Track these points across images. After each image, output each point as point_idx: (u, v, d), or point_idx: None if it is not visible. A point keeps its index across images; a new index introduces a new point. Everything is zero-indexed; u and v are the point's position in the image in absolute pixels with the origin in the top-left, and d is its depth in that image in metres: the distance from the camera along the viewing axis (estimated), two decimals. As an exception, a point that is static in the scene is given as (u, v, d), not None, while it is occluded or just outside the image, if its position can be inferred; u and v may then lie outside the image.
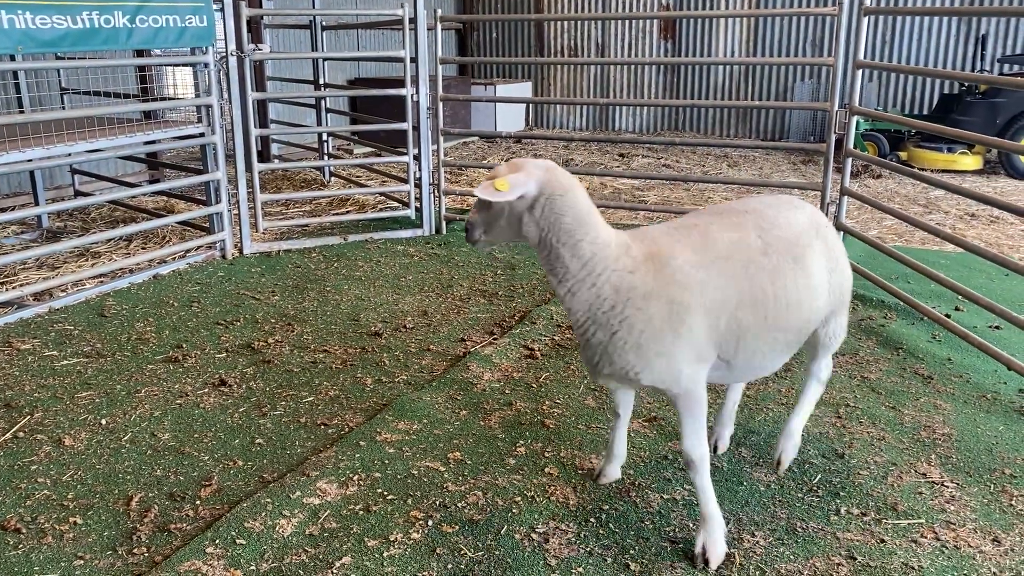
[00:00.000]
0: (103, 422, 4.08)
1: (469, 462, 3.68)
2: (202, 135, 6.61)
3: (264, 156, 10.35)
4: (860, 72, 5.92)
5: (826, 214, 6.19)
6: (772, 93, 14.25)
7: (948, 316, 5.31)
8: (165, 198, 8.35)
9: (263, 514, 3.25)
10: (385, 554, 3.04)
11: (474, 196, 2.99)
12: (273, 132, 10.45)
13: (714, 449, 3.72)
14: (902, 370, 4.68)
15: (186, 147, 9.45)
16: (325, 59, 9.76)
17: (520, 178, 2.70)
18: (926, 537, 3.16)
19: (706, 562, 2.94)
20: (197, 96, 6.59)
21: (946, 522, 3.26)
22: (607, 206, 8.36)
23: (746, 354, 2.98)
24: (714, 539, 2.97)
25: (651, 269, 2.79)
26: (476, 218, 2.86)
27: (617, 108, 15.51)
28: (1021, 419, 4.12)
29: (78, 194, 8.20)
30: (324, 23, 9.63)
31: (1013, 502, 3.40)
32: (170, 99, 7.91)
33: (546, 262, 2.81)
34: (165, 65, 8.57)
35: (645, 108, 15.35)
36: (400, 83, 7.43)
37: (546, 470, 3.62)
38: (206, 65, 6.45)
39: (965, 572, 2.96)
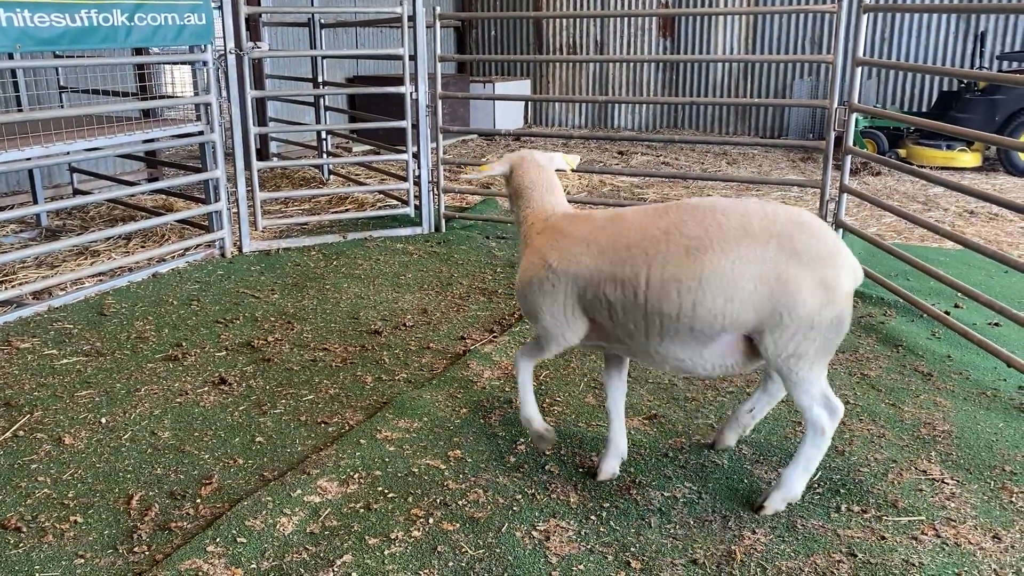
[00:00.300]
0: (103, 421, 4.08)
1: (470, 460, 3.68)
2: (201, 133, 6.61)
3: (263, 154, 10.35)
4: (859, 69, 5.92)
5: (825, 211, 6.20)
6: (771, 90, 14.25)
7: (948, 313, 5.31)
8: (164, 196, 8.34)
9: (264, 512, 3.25)
10: (386, 552, 3.04)
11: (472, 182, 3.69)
12: (272, 130, 10.45)
13: (712, 445, 3.79)
14: (902, 367, 4.68)
15: (185, 145, 9.45)
16: (324, 57, 9.74)
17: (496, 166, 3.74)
18: (926, 534, 3.16)
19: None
20: (196, 94, 6.58)
21: (946, 519, 3.26)
22: (606, 203, 8.37)
23: (626, 331, 3.21)
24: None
25: (547, 235, 3.43)
26: None
27: (616, 106, 15.51)
28: (1021, 416, 4.13)
29: (77, 192, 8.19)
30: (323, 21, 9.61)
31: (1013, 499, 3.40)
32: (169, 97, 7.90)
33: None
34: (164, 63, 8.57)
35: (644, 105, 15.34)
36: (399, 81, 7.43)
37: (547, 468, 3.62)
38: (205, 63, 6.44)
39: (966, 569, 2.96)
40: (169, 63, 8.56)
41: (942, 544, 3.10)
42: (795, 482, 3.24)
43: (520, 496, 3.40)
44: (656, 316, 3.09)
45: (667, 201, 8.93)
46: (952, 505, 3.36)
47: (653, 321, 3.11)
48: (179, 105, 7.45)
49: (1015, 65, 11.36)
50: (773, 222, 3.06)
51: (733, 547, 3.06)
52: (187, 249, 6.81)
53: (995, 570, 2.96)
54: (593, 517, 3.26)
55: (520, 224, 3.65)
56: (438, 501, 3.36)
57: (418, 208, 7.78)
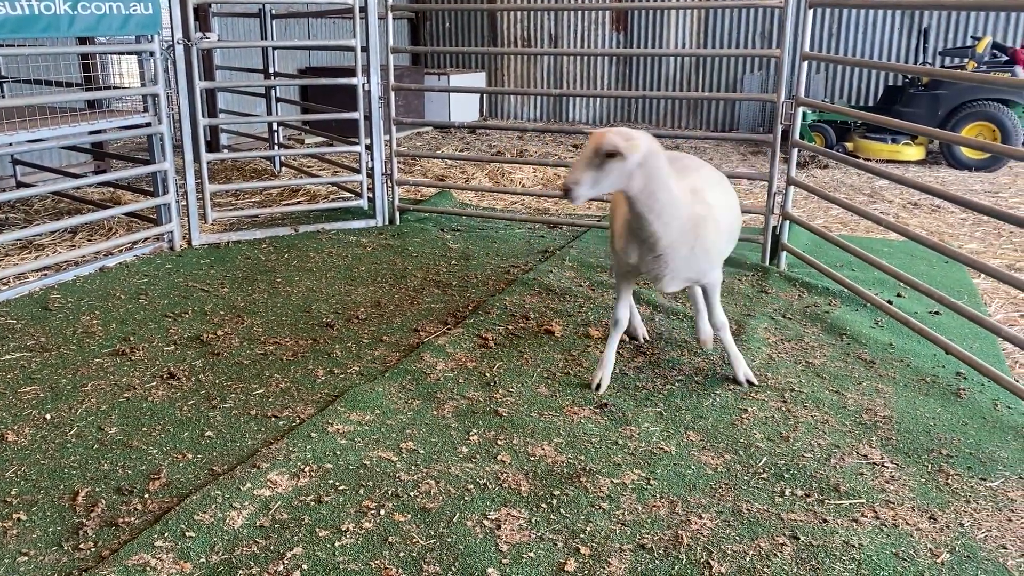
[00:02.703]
0: (48, 417, 4.01)
1: (422, 451, 3.70)
2: (149, 125, 6.50)
3: (213, 146, 10.20)
4: (806, 64, 6.03)
5: (773, 203, 6.31)
6: (722, 85, 14.43)
7: (890, 302, 5.45)
8: (111, 189, 8.19)
9: (213, 506, 3.22)
10: (337, 544, 3.04)
11: (574, 171, 3.64)
12: (222, 122, 10.31)
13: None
14: (846, 355, 4.80)
15: (133, 137, 9.27)
16: (275, 48, 9.63)
17: (643, 143, 3.59)
18: (866, 516, 3.26)
19: (597, 386, 4.34)
20: (143, 85, 6.47)
21: (886, 501, 3.36)
22: (560, 196, 8.39)
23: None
24: (601, 374, 4.37)
25: (695, 200, 3.96)
26: (584, 176, 3.56)
27: (571, 99, 15.57)
28: (958, 401, 4.26)
29: (20, 185, 8.00)
30: (273, 11, 9.49)
31: (949, 481, 3.52)
32: (115, 88, 7.74)
33: (644, 204, 3.72)
34: (110, 53, 8.39)
35: (598, 99, 15.43)
36: (351, 72, 7.38)
37: (499, 458, 3.65)
38: (152, 54, 6.33)
39: (903, 549, 3.06)
40: (115, 53, 8.39)
41: (881, 525, 3.20)
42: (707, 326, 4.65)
43: (472, 486, 3.42)
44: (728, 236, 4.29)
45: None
46: (891, 488, 3.46)
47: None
48: (126, 96, 7.31)
49: (956, 61, 11.65)
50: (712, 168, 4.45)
51: (680, 532, 3.12)
52: (135, 242, 6.70)
53: (931, 549, 3.06)
54: (543, 505, 3.29)
55: (672, 203, 3.81)
56: (390, 493, 3.37)
57: (371, 200, 7.74)
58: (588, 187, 3.58)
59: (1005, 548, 3.09)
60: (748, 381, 4.39)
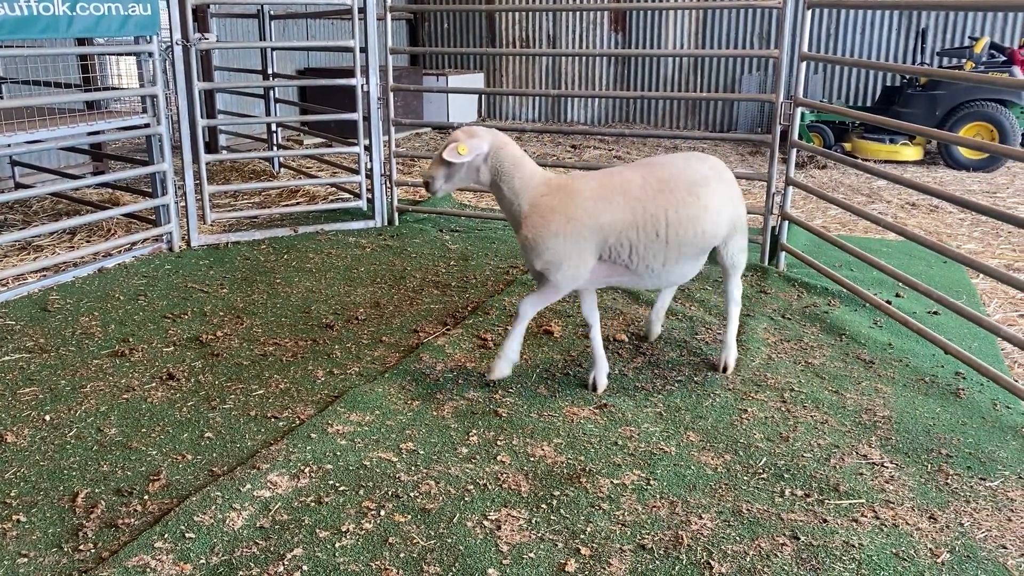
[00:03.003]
0: (47, 418, 4.00)
1: (422, 452, 3.69)
2: (147, 126, 6.49)
3: (212, 147, 10.19)
4: (804, 64, 6.04)
5: (772, 203, 6.31)
6: (721, 85, 14.44)
7: (889, 302, 5.45)
8: (110, 190, 8.18)
9: (213, 508, 3.22)
10: (337, 545, 3.04)
11: (430, 167, 4.09)
12: (221, 123, 10.31)
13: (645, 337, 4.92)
14: (845, 355, 4.80)
15: (131, 138, 9.27)
16: (273, 49, 9.64)
17: (475, 143, 3.97)
18: (866, 516, 3.26)
19: (593, 387, 4.31)
20: (142, 86, 6.46)
21: (885, 501, 3.36)
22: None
23: (645, 263, 4.09)
24: (500, 365, 4.25)
25: (558, 195, 4.01)
26: (438, 172, 4.04)
27: (569, 100, 15.58)
28: (957, 401, 4.27)
29: (19, 186, 8.00)
30: (272, 12, 9.49)
31: (949, 481, 3.52)
32: (114, 89, 7.74)
33: (496, 194, 4.11)
34: (108, 54, 8.38)
35: (596, 100, 15.43)
36: (350, 73, 7.38)
37: (499, 458, 3.65)
38: (150, 54, 6.32)
39: (903, 549, 3.06)
40: (114, 54, 8.38)
41: (881, 525, 3.20)
42: (733, 343, 4.57)
43: (472, 487, 3.42)
44: (676, 246, 4.05)
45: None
46: (891, 488, 3.46)
47: (672, 251, 4.06)
48: (124, 97, 7.31)
49: (954, 61, 11.67)
50: (711, 163, 4.27)
51: (680, 532, 3.13)
52: (134, 243, 6.69)
53: (931, 549, 3.07)
54: (543, 506, 3.29)
55: (516, 194, 4.04)
56: (390, 493, 3.37)
57: (370, 201, 7.74)
58: (442, 181, 4.07)
59: (1005, 548, 3.09)
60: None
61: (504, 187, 4.05)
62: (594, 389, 4.30)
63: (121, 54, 7.67)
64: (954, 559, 3.02)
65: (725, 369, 4.52)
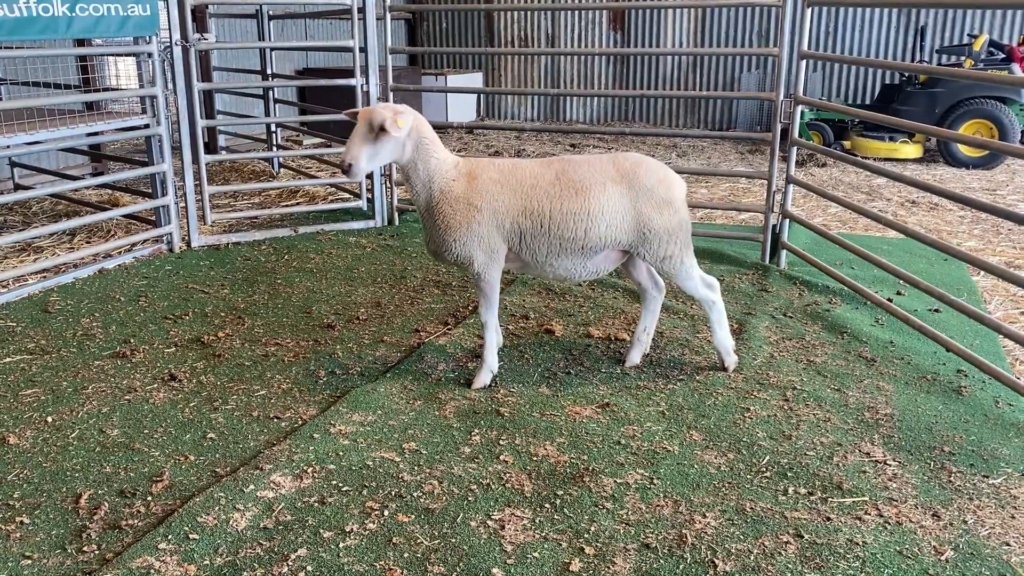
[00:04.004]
0: (49, 419, 4.00)
1: (424, 452, 3.69)
2: (147, 126, 6.49)
3: (211, 148, 10.18)
4: (804, 62, 6.04)
5: (772, 202, 6.31)
6: (720, 83, 14.43)
7: (890, 300, 5.45)
8: (109, 191, 8.17)
9: (216, 508, 3.22)
10: (341, 545, 3.04)
11: (349, 149, 3.96)
12: (220, 123, 10.30)
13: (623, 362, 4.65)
14: (846, 353, 4.80)
15: (130, 139, 9.27)
16: (272, 49, 9.63)
17: (408, 117, 3.95)
18: (870, 514, 3.26)
19: (470, 384, 4.30)
20: (141, 87, 6.46)
21: (889, 499, 3.36)
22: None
23: (532, 253, 4.16)
24: (482, 376, 4.31)
25: (463, 181, 4.09)
26: (360, 151, 3.89)
27: (568, 99, 15.58)
28: (959, 398, 4.27)
29: (18, 187, 7.99)
30: (271, 12, 9.48)
31: (952, 478, 3.52)
32: (113, 90, 7.73)
33: (408, 173, 4.10)
34: (107, 55, 8.37)
35: (596, 99, 15.44)
36: (349, 73, 7.37)
37: (501, 458, 3.64)
38: (150, 55, 6.32)
39: (907, 546, 3.06)
40: (113, 55, 8.37)
41: (884, 523, 3.20)
42: (725, 340, 4.50)
43: (475, 486, 3.42)
44: (557, 240, 4.10)
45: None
46: (894, 485, 3.46)
47: (554, 244, 4.11)
48: (124, 98, 7.30)
49: (953, 59, 11.67)
50: (622, 166, 4.16)
51: (684, 531, 3.12)
52: (134, 244, 6.69)
53: (935, 547, 3.07)
54: (547, 505, 3.29)
55: (431, 176, 4.07)
56: (393, 493, 3.37)
57: (370, 201, 7.74)
58: (366, 161, 3.94)
59: (1008, 545, 3.09)
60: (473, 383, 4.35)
61: (420, 167, 4.04)
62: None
63: (120, 55, 7.65)
64: (958, 556, 3.02)
65: (728, 368, 4.52)
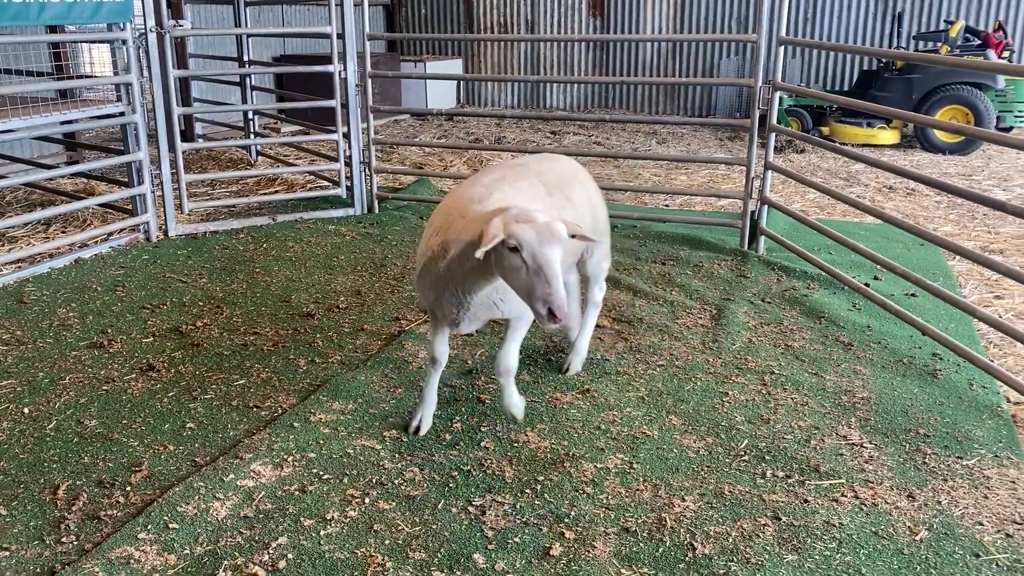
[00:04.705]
0: (25, 411, 3.96)
1: (405, 439, 3.69)
2: (122, 114, 6.41)
3: (188, 135, 10.08)
4: (782, 48, 6.05)
5: (751, 188, 6.34)
6: (699, 70, 14.46)
7: (867, 285, 5.50)
8: (85, 180, 8.08)
9: (196, 498, 3.21)
10: (322, 533, 3.04)
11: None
12: (197, 111, 10.19)
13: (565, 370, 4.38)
14: (824, 338, 4.84)
15: (106, 127, 9.17)
16: (249, 35, 9.52)
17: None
18: (846, 496, 3.30)
19: (416, 430, 3.73)
20: (116, 74, 6.38)
21: (865, 481, 3.40)
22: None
23: None
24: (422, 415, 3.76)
25: None
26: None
27: (548, 86, 15.55)
28: (935, 381, 4.32)
29: (-9, 177, 7.87)
30: (247, -1, 9.38)
31: (927, 460, 3.57)
32: (87, 77, 7.63)
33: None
34: (81, 42, 8.27)
35: (576, 85, 15.43)
36: (327, 60, 7.32)
37: (482, 444, 3.65)
38: (124, 42, 6.24)
39: (882, 527, 3.11)
40: (86, 42, 8.27)
41: (860, 505, 3.24)
42: (584, 347, 4.35)
43: (456, 473, 3.43)
44: None
45: (598, 178, 9.04)
46: (870, 468, 3.50)
47: None
48: (98, 85, 7.21)
49: (930, 45, 11.74)
50: (530, 171, 3.74)
51: (663, 515, 3.15)
52: (110, 234, 6.62)
53: (909, 527, 3.11)
54: (528, 491, 3.31)
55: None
56: (374, 481, 3.37)
57: (350, 189, 7.70)
58: None
59: (982, 524, 3.14)
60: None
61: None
62: (415, 432, 3.72)
63: (94, 42, 7.57)
64: (932, 536, 3.06)
65: (567, 371, 4.30)
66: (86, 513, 3.17)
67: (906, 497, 3.30)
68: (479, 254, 2.90)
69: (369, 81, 7.43)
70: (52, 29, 6.83)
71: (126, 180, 6.77)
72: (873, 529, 3.10)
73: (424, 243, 3.48)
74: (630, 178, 9.39)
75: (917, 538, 3.05)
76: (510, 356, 3.58)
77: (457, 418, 3.88)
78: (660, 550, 2.96)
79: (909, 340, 4.83)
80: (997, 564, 2.93)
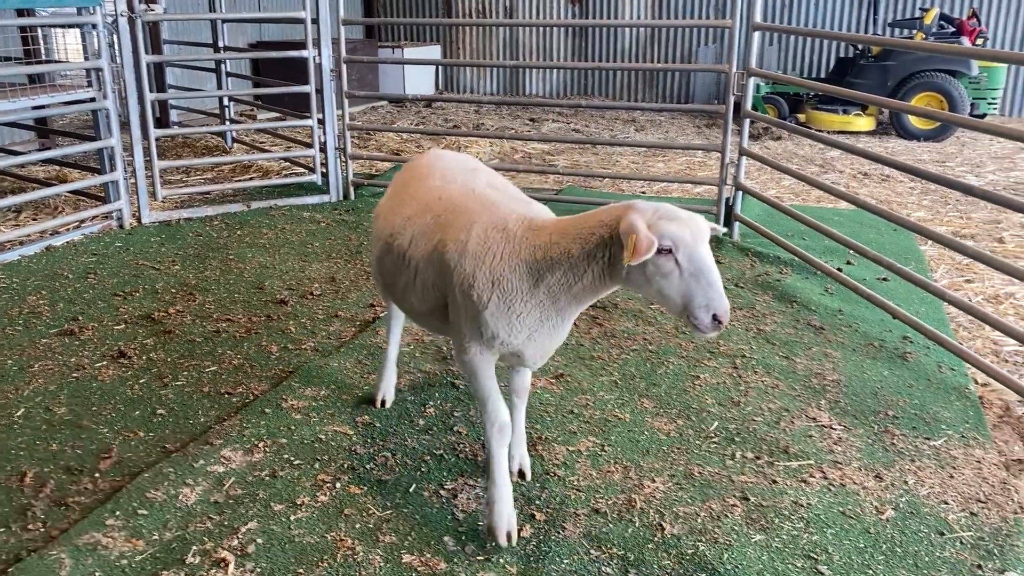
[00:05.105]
0: (-7, 398, 3.92)
1: (378, 425, 3.69)
2: (93, 100, 6.33)
3: (163, 122, 9.97)
4: (757, 34, 6.06)
5: (726, 174, 6.36)
6: (677, 57, 14.48)
7: (840, 270, 5.55)
8: (56, 167, 7.98)
9: (165, 484, 3.19)
10: (292, 517, 3.03)
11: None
12: (170, 96, 10.08)
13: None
14: (796, 322, 4.88)
15: (78, 113, 9.06)
16: (224, 20, 9.43)
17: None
18: (815, 476, 3.33)
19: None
20: (86, 59, 6.29)
21: (833, 462, 3.44)
22: (517, 170, 8.40)
23: None
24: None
25: None
26: None
27: (527, 72, 15.51)
28: (904, 364, 4.37)
29: (-40, 164, 7.76)
30: (222, -17, 9.28)
31: (895, 441, 3.61)
32: (57, 62, 7.53)
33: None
34: (50, 26, 8.15)
35: (554, 72, 15.40)
36: (303, 46, 7.25)
37: (455, 429, 3.66)
38: (94, 26, 6.15)
39: (850, 507, 3.14)
40: (56, 26, 8.15)
41: (828, 485, 3.28)
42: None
43: (428, 457, 3.43)
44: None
45: (576, 164, 9.03)
46: (839, 449, 3.54)
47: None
48: (69, 71, 7.12)
49: (905, 32, 11.81)
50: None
51: (633, 496, 3.17)
52: (82, 221, 6.55)
53: (876, 507, 3.15)
54: (499, 474, 3.31)
55: None
56: (345, 466, 3.36)
57: (325, 176, 7.65)
58: None
59: (946, 503, 3.18)
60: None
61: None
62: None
63: (63, 26, 7.46)
64: (898, 515, 3.10)
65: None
66: (53, 500, 3.15)
67: (873, 477, 3.34)
68: (635, 262, 2.43)
69: (344, 67, 7.38)
70: (21, 13, 6.72)
71: (98, 167, 6.69)
72: (840, 509, 3.13)
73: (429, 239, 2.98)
74: (608, 165, 9.40)
75: (883, 517, 3.09)
76: None
77: (430, 403, 3.88)
78: (630, 530, 2.98)
79: (880, 323, 4.87)
80: (961, 542, 2.97)
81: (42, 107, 6.38)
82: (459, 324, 2.86)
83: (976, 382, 4.21)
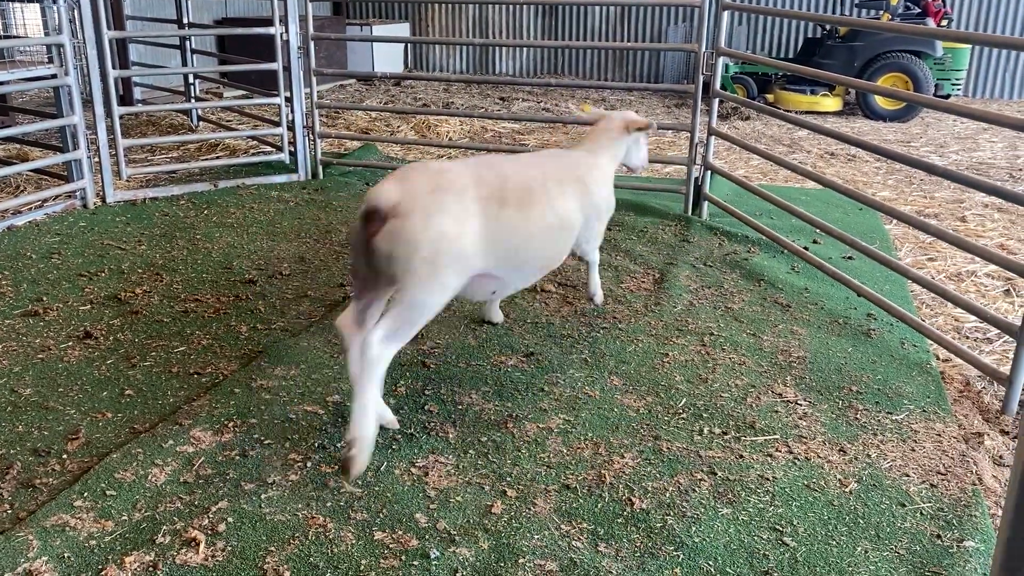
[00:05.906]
0: (-44, 380, 3.86)
1: (348, 404, 3.68)
2: (54, 76, 6.21)
3: (126, 100, 9.80)
4: (726, 14, 6.09)
5: (695, 154, 6.40)
6: (648, 36, 14.49)
7: (806, 248, 5.62)
8: (17, 145, 7.82)
9: (134, 464, 3.17)
10: (263, 496, 3.03)
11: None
12: (133, 73, 9.91)
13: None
14: (763, 300, 4.94)
15: (39, 88, 8.87)
16: (188, -4, 9.26)
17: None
18: (780, 451, 3.39)
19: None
20: (47, 35, 6.16)
21: (798, 436, 3.50)
22: (487, 149, 8.38)
23: None
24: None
25: None
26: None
27: (497, 51, 15.44)
28: (868, 340, 4.45)
29: (-83, 142, 7.59)
30: (186, -42, 9.11)
31: (858, 416, 3.69)
32: (16, 38, 7.36)
33: None
34: (8, 0, 7.96)
35: (525, 51, 15.34)
36: (269, 22, 7.16)
37: (426, 407, 3.67)
38: (55, 1, 6.02)
39: (814, 480, 3.21)
40: (15, 0, 7.96)
41: (794, 459, 3.34)
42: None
43: (399, 436, 3.44)
44: None
45: (546, 144, 9.03)
46: (804, 424, 3.61)
47: None
48: (29, 47, 6.96)
49: (872, 13, 11.91)
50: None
51: (603, 472, 3.21)
52: (45, 200, 6.44)
53: (840, 480, 3.22)
54: (471, 451, 3.34)
55: None
56: (316, 445, 3.37)
57: (293, 154, 7.58)
58: None
59: (908, 476, 3.26)
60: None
61: None
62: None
63: (23, 0, 7.29)
64: (861, 488, 3.17)
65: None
66: (20, 481, 3.12)
67: (837, 451, 3.41)
68: (650, 131, 4.55)
69: (312, 44, 7.29)
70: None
71: (60, 145, 6.58)
72: (805, 482, 3.19)
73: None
74: (578, 144, 9.39)
75: (847, 490, 3.16)
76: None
77: (402, 382, 3.89)
78: (599, 505, 3.02)
79: (845, 301, 4.95)
80: (921, 513, 3.05)
81: (1, 83, 6.24)
82: (595, 229, 4.21)
83: (938, 358, 4.30)
